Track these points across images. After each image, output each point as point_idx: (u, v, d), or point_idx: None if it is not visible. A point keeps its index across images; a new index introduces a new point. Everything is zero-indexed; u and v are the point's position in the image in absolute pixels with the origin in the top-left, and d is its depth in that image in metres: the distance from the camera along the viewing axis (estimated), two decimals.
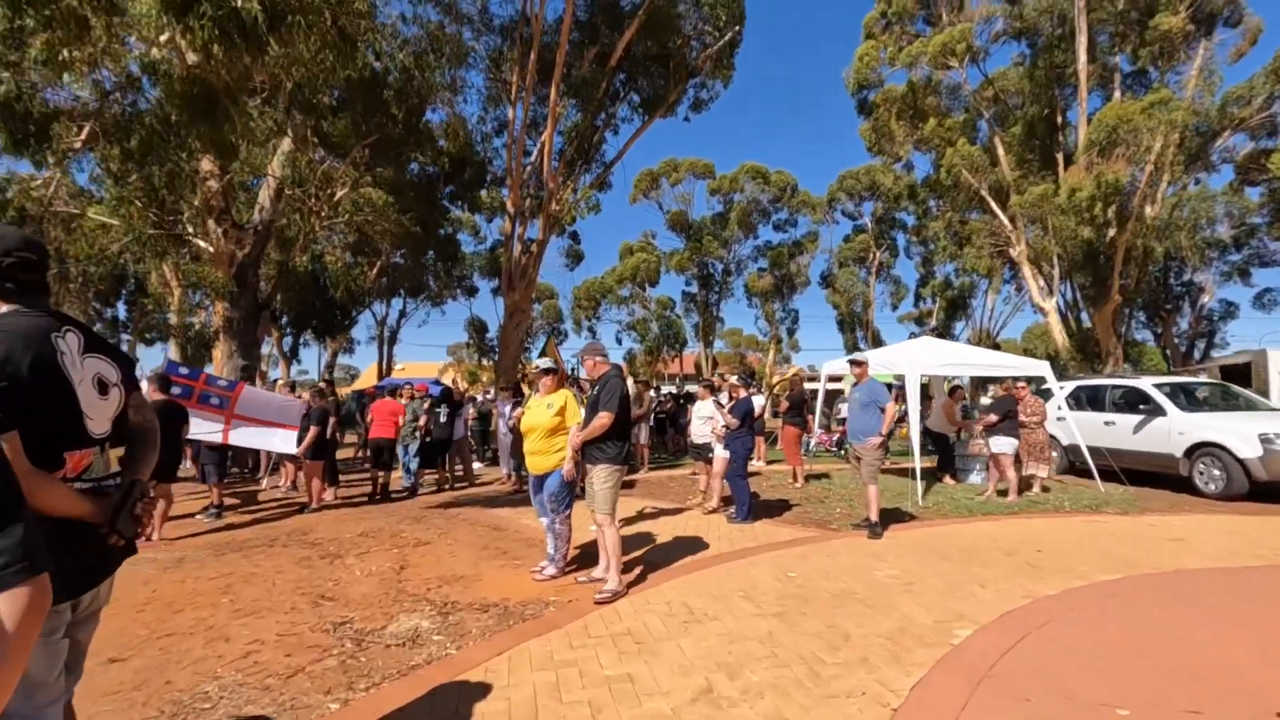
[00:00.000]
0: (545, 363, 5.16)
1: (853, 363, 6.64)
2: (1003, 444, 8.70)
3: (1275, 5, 46.33)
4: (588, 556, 5.47)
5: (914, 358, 8.81)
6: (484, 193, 17.96)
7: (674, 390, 15.89)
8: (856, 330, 40.85)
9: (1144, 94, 21.13)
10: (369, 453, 10.11)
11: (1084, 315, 28.07)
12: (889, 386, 16.85)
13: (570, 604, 4.39)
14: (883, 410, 6.35)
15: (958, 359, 9.05)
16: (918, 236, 35.07)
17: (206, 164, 12.25)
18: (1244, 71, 22.01)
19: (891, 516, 7.05)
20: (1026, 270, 23.19)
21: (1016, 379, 8.97)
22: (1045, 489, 8.78)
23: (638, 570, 5.17)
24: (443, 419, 10.03)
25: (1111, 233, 20.89)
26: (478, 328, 39.14)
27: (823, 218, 40.42)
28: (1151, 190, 20.73)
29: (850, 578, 4.88)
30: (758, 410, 8.68)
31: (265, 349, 29.84)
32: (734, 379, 7.06)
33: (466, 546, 6.12)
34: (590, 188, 15.73)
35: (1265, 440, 7.95)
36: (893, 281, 41.25)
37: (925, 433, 9.88)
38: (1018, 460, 8.84)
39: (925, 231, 34.06)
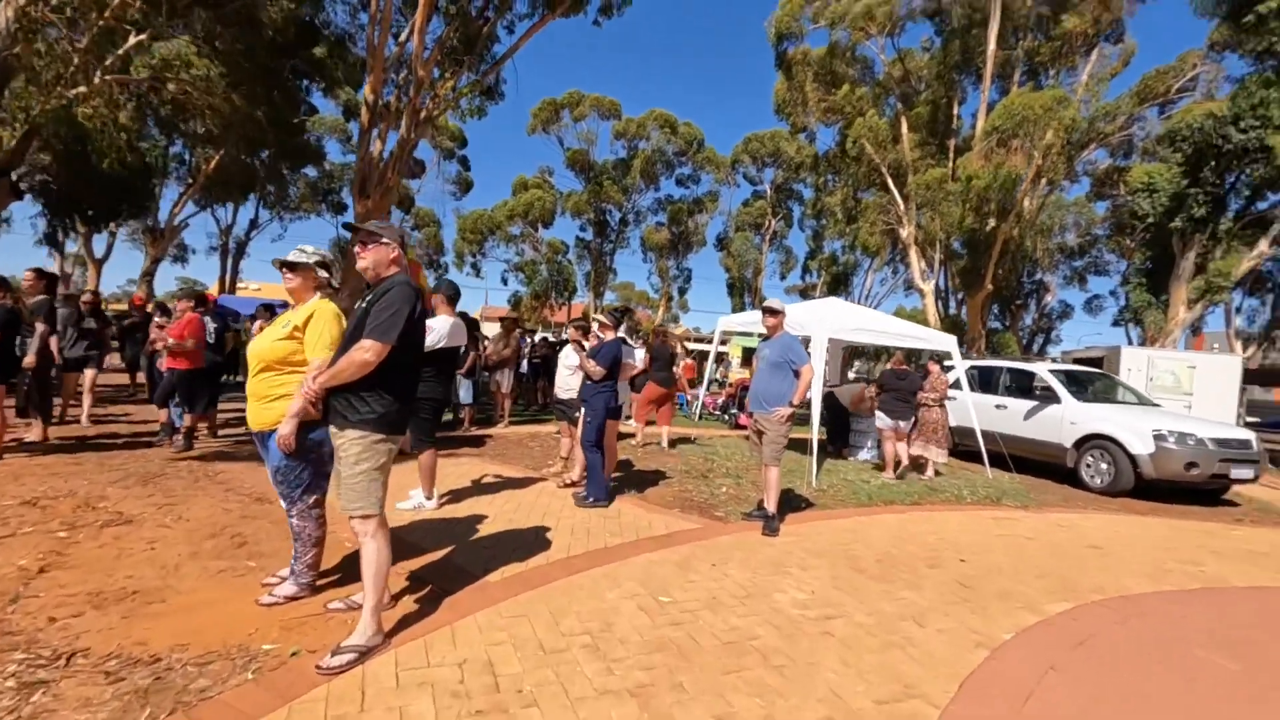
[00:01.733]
0: (300, 257, 3.11)
1: (767, 310, 5.08)
2: (880, 418, 7.77)
3: (1144, 30, 50.25)
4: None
5: (823, 318, 7.50)
6: (340, 73, 14.66)
7: (550, 336, 13.97)
8: (745, 295, 40.61)
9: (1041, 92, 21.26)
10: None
11: (952, 301, 29.19)
12: None
13: (288, 664, 2.51)
14: (797, 374, 4.90)
15: (869, 324, 7.88)
16: (813, 209, 34.84)
17: None
18: (1112, 91, 22.74)
19: (786, 502, 5.72)
20: (913, 251, 23.24)
21: (919, 353, 7.99)
22: (938, 473, 7.94)
23: (425, 591, 3.36)
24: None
25: (992, 223, 21.20)
26: (343, 249, 34.66)
27: (725, 178, 39.29)
28: (1033, 187, 21.10)
29: (747, 608, 3.36)
30: (637, 363, 7.04)
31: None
32: (601, 316, 5.29)
33: (189, 532, 4.01)
34: (472, 86, 13.08)
35: (1159, 437, 7.46)
36: (784, 251, 41.25)
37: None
38: (913, 441, 7.94)
39: (820, 204, 33.88)
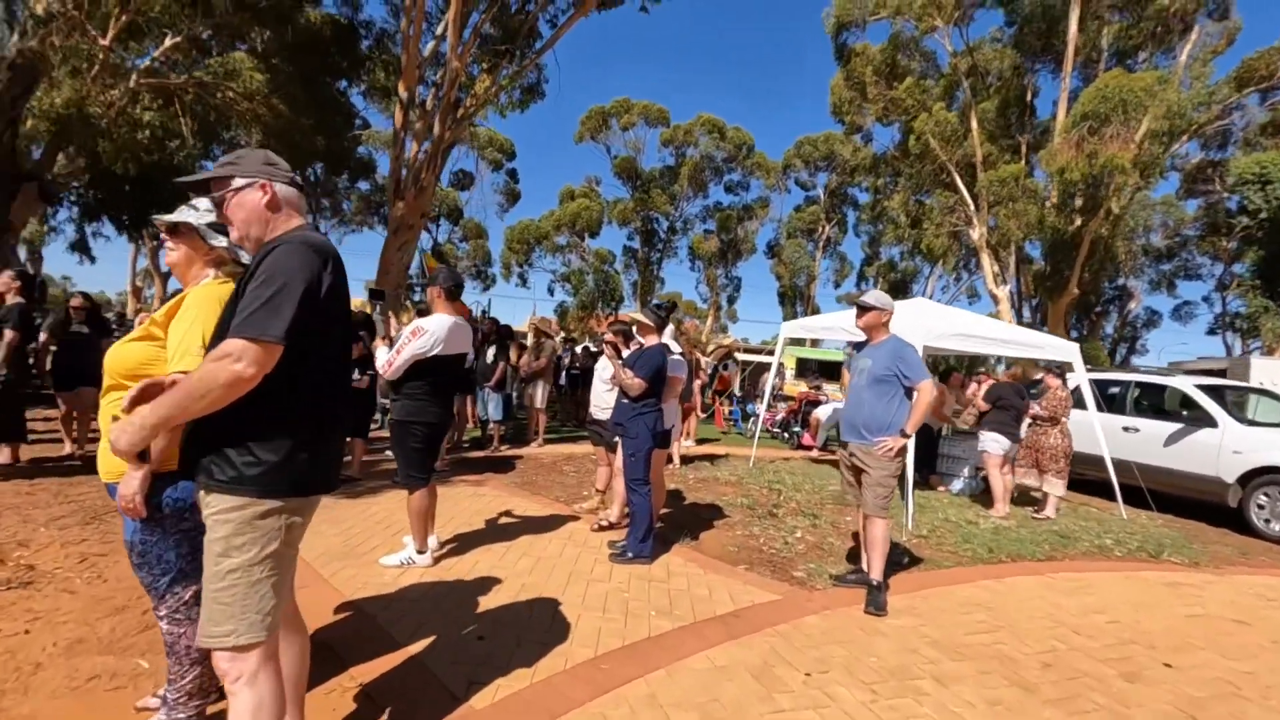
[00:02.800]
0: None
1: (864, 307, 3.76)
2: (990, 441, 6.29)
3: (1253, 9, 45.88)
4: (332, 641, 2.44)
5: (914, 324, 6.09)
6: (381, 74, 14.06)
7: (593, 346, 12.85)
8: (798, 304, 38.88)
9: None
10: None
11: (1025, 308, 26.80)
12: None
13: None
14: (911, 392, 3.58)
15: (971, 329, 6.41)
16: (872, 211, 32.90)
17: None
18: (1214, 75, 20.20)
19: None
20: (985, 255, 21.25)
21: (1041, 363, 6.48)
22: (1058, 510, 6.38)
23: None
24: None
25: (1079, 221, 19.11)
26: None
27: (775, 184, 37.75)
28: (1125, 180, 18.91)
29: None
30: (684, 374, 5.80)
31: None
32: (640, 315, 4.06)
33: (93, 603, 2.97)
34: (512, 79, 12.19)
35: None
36: (839, 258, 39.32)
37: None
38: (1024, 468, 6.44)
39: (879, 208, 31.96)
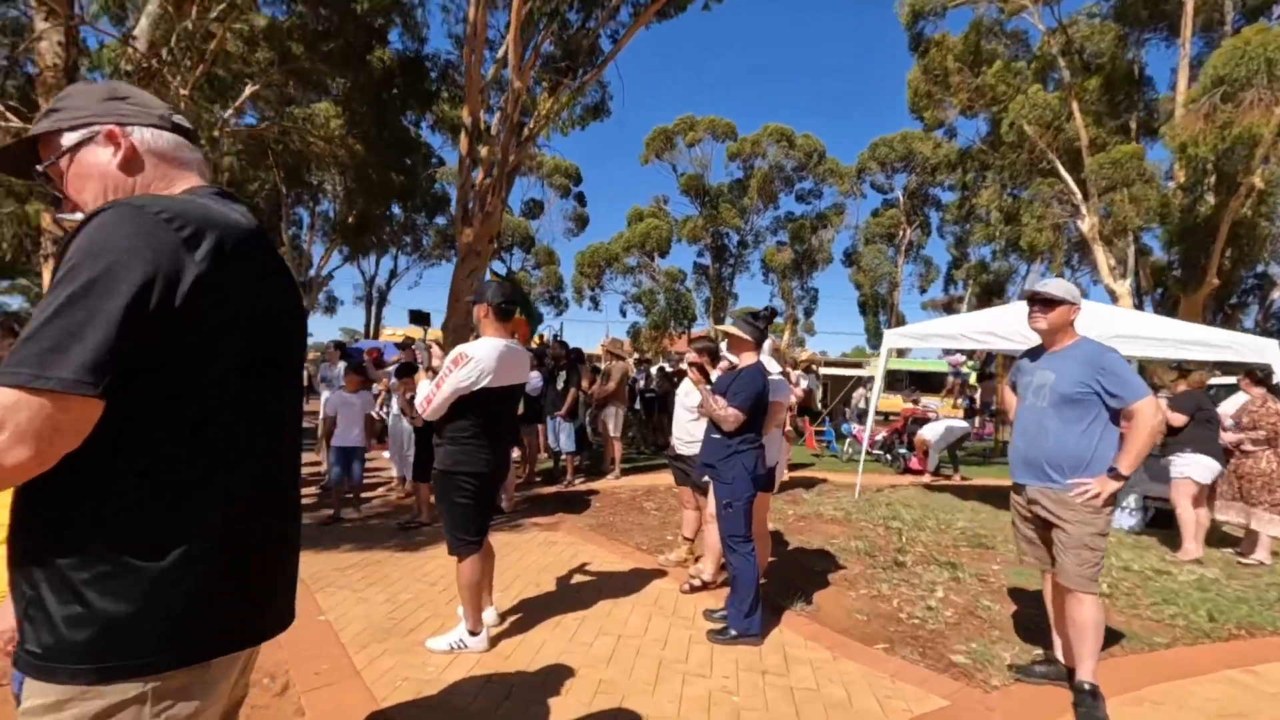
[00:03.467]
0: None
1: (1045, 301, 2.76)
2: (1195, 466, 4.96)
3: None
4: None
5: (1096, 327, 4.91)
6: (449, 107, 14.06)
7: (669, 366, 12.09)
8: (880, 314, 36.80)
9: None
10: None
11: (1148, 303, 23.90)
12: (955, 375, 12.93)
13: None
14: (1117, 419, 2.57)
15: (1144, 331, 5.16)
16: (959, 209, 30.67)
17: (41, 21, 8.51)
18: None
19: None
20: (1098, 246, 19.00)
21: (1236, 368, 5.15)
22: (1275, 554, 4.97)
23: None
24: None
25: (1211, 202, 16.73)
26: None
27: (850, 189, 36.09)
28: (1266, 150, 16.40)
29: None
30: (793, 396, 4.92)
31: None
32: (734, 327, 3.20)
33: None
34: (573, 96, 11.77)
35: None
36: (923, 263, 37.02)
37: None
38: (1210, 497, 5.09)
39: (966, 206, 29.74)
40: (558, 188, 35.65)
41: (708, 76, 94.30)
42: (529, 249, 36.23)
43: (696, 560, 4.40)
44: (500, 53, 11.50)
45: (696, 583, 3.82)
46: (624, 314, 36.92)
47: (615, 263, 35.52)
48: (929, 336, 6.63)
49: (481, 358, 2.72)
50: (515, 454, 7.43)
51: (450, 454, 2.77)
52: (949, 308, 37.06)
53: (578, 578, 4.04)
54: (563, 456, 7.45)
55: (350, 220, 21.67)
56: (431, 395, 2.72)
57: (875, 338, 37.13)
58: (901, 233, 35.85)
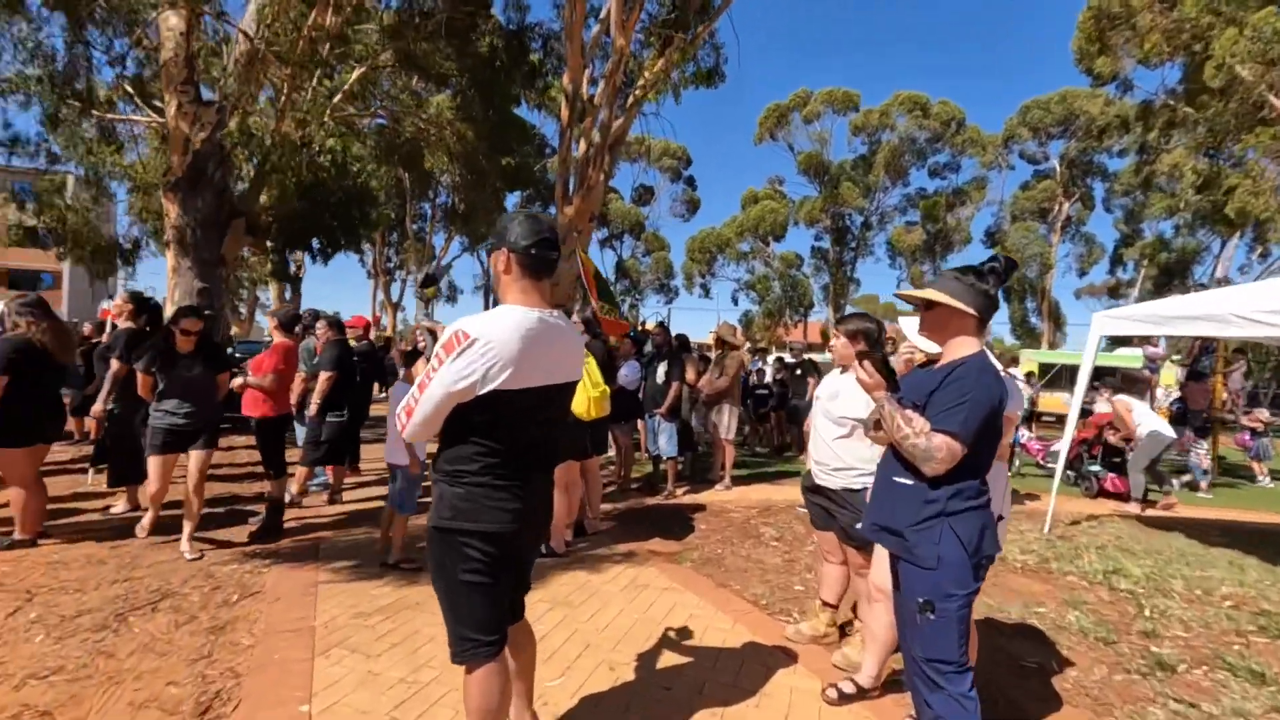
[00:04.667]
0: None
1: None
2: None
3: None
4: None
5: None
6: (552, 79, 13.29)
7: (789, 356, 10.56)
8: (1028, 300, 32.45)
9: None
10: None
11: None
12: (1147, 370, 10.37)
13: None
14: None
15: None
16: (1135, 176, 25.99)
17: (174, 18, 8.57)
18: None
19: None
20: None
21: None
22: None
23: None
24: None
25: None
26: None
27: (994, 160, 31.96)
28: None
29: None
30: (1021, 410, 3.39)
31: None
32: (941, 290, 1.76)
33: None
34: (683, 53, 10.45)
35: None
36: (1083, 241, 32.14)
37: None
38: None
39: (1143, 173, 25.10)
40: (668, 171, 34.51)
41: (825, 46, 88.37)
42: (638, 235, 35.42)
43: (841, 636, 3.05)
44: (604, 11, 10.43)
45: (848, 688, 2.48)
46: (736, 301, 35.22)
47: (727, 248, 33.91)
48: (1168, 319, 4.71)
49: (493, 339, 1.56)
50: (610, 453, 6.37)
51: (448, 501, 1.65)
52: (1115, 292, 31.96)
53: (672, 657, 2.83)
54: (663, 461, 6.28)
55: (460, 208, 21.82)
56: (411, 405, 1.61)
57: (1021, 328, 32.80)
58: (1057, 207, 31.26)
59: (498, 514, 1.64)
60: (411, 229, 29.36)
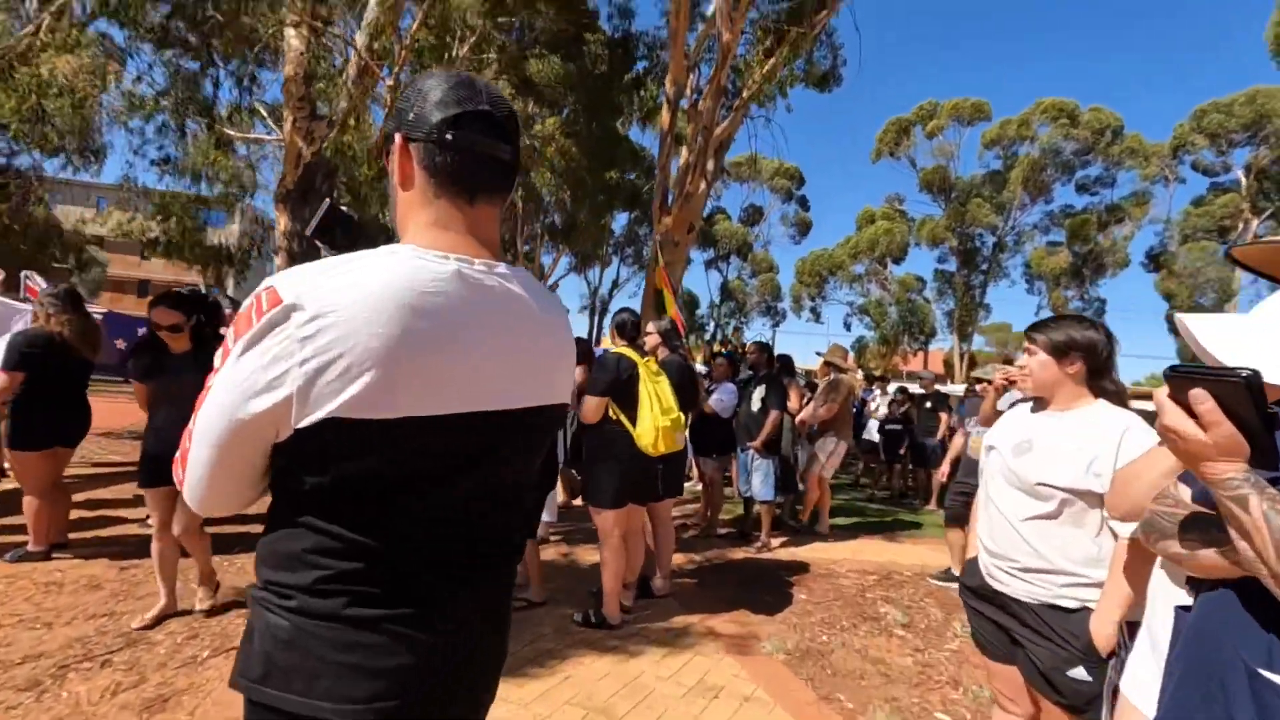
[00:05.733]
0: None
1: None
2: None
3: None
4: None
5: None
6: (655, 87, 12.74)
7: (917, 387, 9.08)
8: None
9: None
10: None
11: None
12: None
13: None
14: None
15: None
16: None
17: (295, 39, 8.90)
18: None
19: None
20: None
21: None
22: None
23: None
24: None
25: None
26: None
27: (1159, 172, 27.75)
28: None
29: None
30: None
31: None
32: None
33: None
34: (794, 48, 9.44)
35: None
36: None
37: None
38: None
39: None
40: (779, 191, 33.14)
41: (950, 52, 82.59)
42: (745, 256, 34.22)
43: None
44: (711, 8, 9.68)
45: None
46: (848, 327, 32.94)
47: (840, 270, 31.89)
48: None
49: (332, 311, 0.70)
50: (694, 486, 5.37)
51: (261, 644, 0.80)
52: None
53: None
54: (756, 504, 5.20)
55: (561, 224, 21.93)
56: (187, 441, 0.78)
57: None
58: (1241, 225, 26.50)
59: (354, 683, 0.77)
60: (523, 250, 30.14)
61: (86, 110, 9.12)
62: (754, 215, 34.34)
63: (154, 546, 2.82)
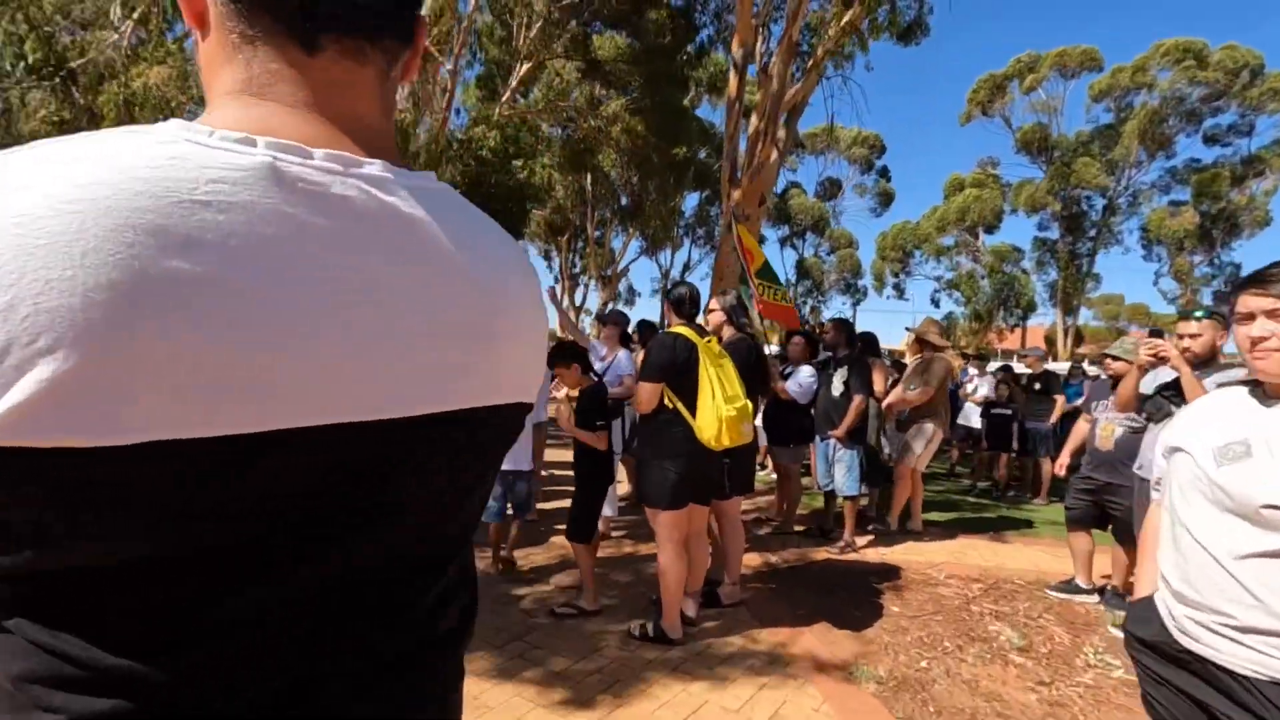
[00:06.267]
0: None
1: None
2: None
3: None
4: None
5: None
6: (721, 56, 12.09)
7: (1023, 365, 8.15)
8: None
9: None
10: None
11: None
12: None
13: None
14: None
15: None
16: None
17: None
18: None
19: None
20: None
21: None
22: None
23: None
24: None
25: None
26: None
27: None
28: None
29: None
30: None
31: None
32: None
33: None
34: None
35: None
36: None
37: None
38: None
39: None
40: (858, 162, 31.32)
41: (1049, 1, 74.62)
42: (822, 232, 32.67)
43: None
44: None
45: None
46: (936, 303, 30.80)
47: (926, 243, 29.84)
48: None
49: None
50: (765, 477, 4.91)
51: None
52: None
53: None
54: (838, 499, 4.67)
55: (629, 204, 21.70)
56: None
57: None
58: None
59: None
60: (594, 235, 30.08)
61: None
62: (831, 189, 32.68)
63: None
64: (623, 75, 13.03)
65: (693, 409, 2.69)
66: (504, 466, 2.83)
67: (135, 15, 7.62)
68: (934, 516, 5.41)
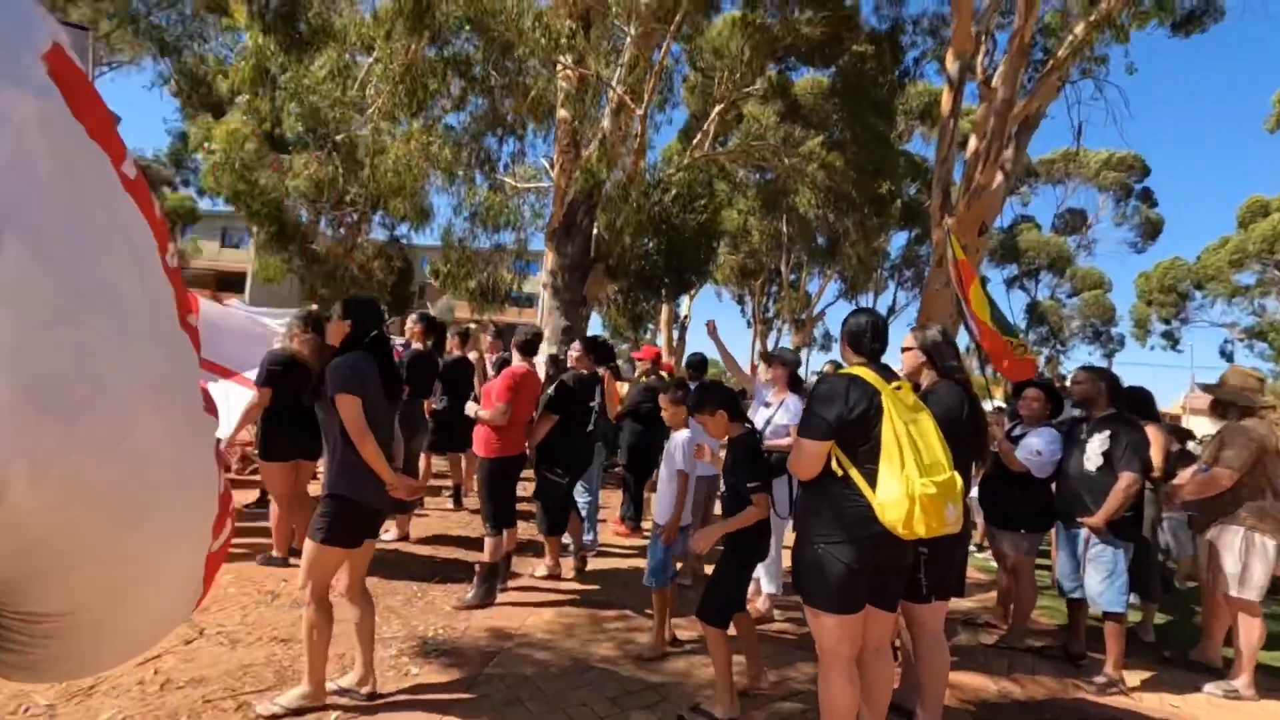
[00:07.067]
0: None
1: None
2: None
3: None
4: None
5: None
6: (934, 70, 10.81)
7: None
8: None
9: None
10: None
11: None
12: None
13: None
14: None
15: None
16: None
17: (563, 84, 9.69)
18: None
19: None
20: None
21: None
22: None
23: None
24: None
25: None
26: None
27: None
28: None
29: None
30: None
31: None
32: None
33: None
34: None
35: None
36: None
37: None
38: None
39: None
40: (1113, 186, 26.35)
41: None
42: (1061, 271, 27.85)
43: None
44: None
45: None
46: (1228, 356, 24.25)
47: (1213, 281, 23.83)
48: None
49: None
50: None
51: None
52: None
53: None
54: (1088, 611, 3.34)
55: (826, 244, 20.51)
56: None
57: None
58: None
59: None
60: (788, 278, 29.12)
61: (418, 181, 11.04)
62: (1073, 221, 27.91)
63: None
64: (822, 111, 12.41)
65: (873, 481, 1.96)
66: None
67: (380, 103, 9.01)
68: (1268, 658, 3.69)
